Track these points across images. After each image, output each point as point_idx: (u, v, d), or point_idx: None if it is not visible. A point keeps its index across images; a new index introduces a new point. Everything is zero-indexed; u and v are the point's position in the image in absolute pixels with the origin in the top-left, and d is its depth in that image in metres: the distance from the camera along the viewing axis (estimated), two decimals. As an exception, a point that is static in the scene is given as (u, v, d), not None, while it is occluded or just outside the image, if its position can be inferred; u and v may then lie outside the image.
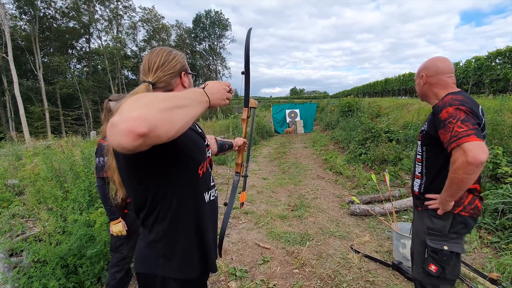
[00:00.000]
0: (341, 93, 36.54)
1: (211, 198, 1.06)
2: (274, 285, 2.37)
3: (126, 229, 1.92)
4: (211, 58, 49.26)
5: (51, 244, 2.24)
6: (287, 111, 15.40)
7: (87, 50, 31.61)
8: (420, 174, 1.53)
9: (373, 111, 9.23)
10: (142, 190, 0.87)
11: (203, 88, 0.84)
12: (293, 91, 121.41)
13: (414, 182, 1.57)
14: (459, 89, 1.46)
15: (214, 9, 47.19)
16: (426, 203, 1.46)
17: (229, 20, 47.07)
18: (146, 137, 0.53)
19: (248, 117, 1.37)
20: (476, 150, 1.12)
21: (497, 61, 8.81)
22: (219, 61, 48.91)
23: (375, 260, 2.69)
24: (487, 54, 9.13)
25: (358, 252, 2.81)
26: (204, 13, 45.75)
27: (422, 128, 1.52)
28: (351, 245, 2.99)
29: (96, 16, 30.11)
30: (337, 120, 12.88)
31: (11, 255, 2.69)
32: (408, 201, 3.78)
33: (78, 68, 32.21)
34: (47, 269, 2.10)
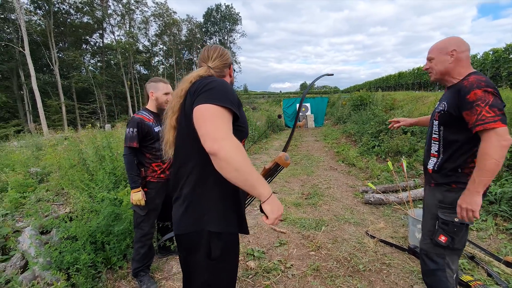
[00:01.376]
0: (352, 88, 35.97)
1: None
2: (292, 265, 2.45)
3: (145, 199, 2.04)
4: (221, 53, 49.28)
5: (82, 221, 2.38)
6: (298, 105, 15.30)
7: (101, 45, 32.21)
8: (437, 153, 1.55)
9: (387, 103, 9.11)
10: (197, 150, 0.99)
11: (271, 195, 0.95)
12: (303, 86, 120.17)
13: (430, 161, 1.59)
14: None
15: (224, 3, 47.07)
16: (460, 211, 1.39)
17: (239, 14, 46.85)
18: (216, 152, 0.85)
19: (270, 170, 1.38)
20: (506, 134, 1.24)
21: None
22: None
23: (391, 244, 2.73)
24: (505, 46, 8.81)
25: (374, 237, 2.85)
26: (215, 7, 45.65)
27: (440, 108, 1.51)
28: (366, 230, 3.03)
29: (109, 11, 30.56)
30: (349, 114, 12.74)
31: (41, 233, 2.87)
32: (418, 192, 3.77)
33: (92, 63, 32.93)
34: (78, 244, 2.24)
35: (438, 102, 1.63)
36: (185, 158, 1.06)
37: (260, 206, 0.95)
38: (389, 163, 3.13)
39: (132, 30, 33.65)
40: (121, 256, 2.50)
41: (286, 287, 2.17)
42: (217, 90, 0.97)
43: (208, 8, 45.66)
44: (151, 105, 2.16)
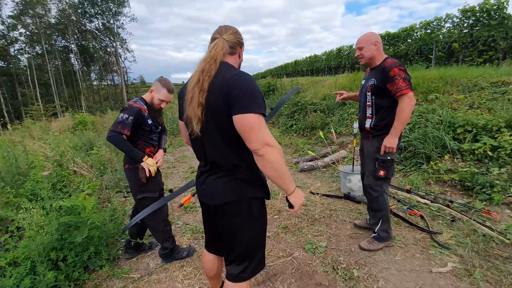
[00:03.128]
0: (255, 76, 38.32)
1: None
2: (264, 230, 2.75)
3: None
4: (107, 39, 42.65)
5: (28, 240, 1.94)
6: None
7: None
8: (371, 115, 2.17)
9: (295, 88, 10.39)
10: (230, 144, 1.16)
11: (295, 189, 1.19)
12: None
13: (366, 122, 2.20)
14: None
15: (105, -18, 40.20)
16: (384, 149, 2.06)
17: (125, -5, 41.13)
18: (263, 154, 1.04)
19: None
20: (413, 97, 1.92)
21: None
22: (118, 42, 42.69)
23: (331, 196, 3.41)
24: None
25: (317, 194, 3.47)
26: (92, -15, 38.42)
27: (371, 83, 2.10)
28: (310, 190, 3.64)
29: None
30: (261, 99, 13.75)
31: None
32: (340, 154, 4.72)
33: None
34: (22, 269, 1.85)
35: (364, 80, 2.25)
36: (218, 149, 1.19)
37: (286, 198, 1.20)
38: (321, 132, 3.82)
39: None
40: (82, 269, 2.19)
41: (267, 247, 2.46)
42: (252, 95, 1.07)
43: (83, -15, 38.02)
44: (147, 97, 2.12)
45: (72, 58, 39.57)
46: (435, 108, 4.22)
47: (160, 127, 2.25)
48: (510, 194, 2.65)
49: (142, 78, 69.43)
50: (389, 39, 10.73)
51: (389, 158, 2.07)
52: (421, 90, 4.97)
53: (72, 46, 37.75)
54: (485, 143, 3.18)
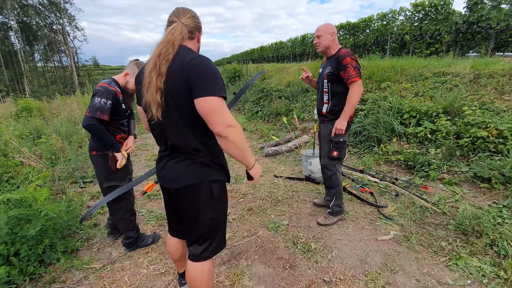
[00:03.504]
0: (221, 61, 37.44)
1: None
2: (229, 212, 2.85)
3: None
4: (53, 15, 38.02)
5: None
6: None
7: None
8: (327, 101, 2.35)
9: (261, 75, 10.42)
10: (191, 127, 1.18)
11: (255, 163, 1.28)
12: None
13: (323, 107, 2.37)
14: None
15: None
16: (334, 130, 2.26)
17: (72, -35, 36.73)
18: (226, 136, 1.09)
19: None
20: (361, 84, 2.12)
21: (340, 32, 11.61)
22: (66, 19, 38.29)
23: (293, 178, 3.61)
24: (335, 26, 11.85)
25: (281, 177, 3.65)
26: (33, -49, 33.56)
27: (327, 71, 2.26)
28: (274, 174, 3.80)
29: None
30: (227, 85, 13.60)
31: None
32: (303, 139, 4.95)
33: None
34: None
35: (321, 69, 2.39)
36: (178, 133, 1.20)
37: (247, 172, 1.29)
38: (284, 118, 3.96)
39: None
40: (37, 263, 2.09)
41: (232, 228, 2.56)
42: (213, 78, 1.09)
43: (22, -49, 33.04)
44: (120, 80, 1.97)
45: (12, 37, 34.53)
46: (387, 95, 4.59)
47: (129, 111, 2.13)
48: (444, 171, 3.06)
49: (95, 59, 63.20)
50: (350, 29, 11.19)
51: (341, 140, 2.29)
52: (375, 79, 5.35)
53: (12, 22, 32.79)
54: (426, 127, 3.59)
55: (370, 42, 10.54)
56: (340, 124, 2.22)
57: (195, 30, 1.25)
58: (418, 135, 3.62)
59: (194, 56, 1.12)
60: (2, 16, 32.42)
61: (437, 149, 3.31)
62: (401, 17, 9.03)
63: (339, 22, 11.51)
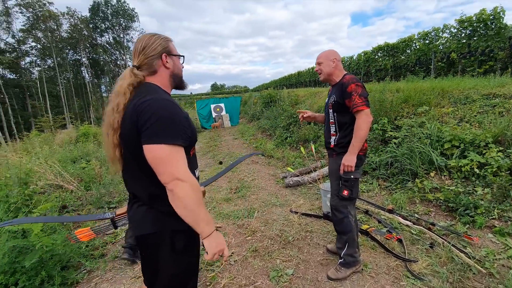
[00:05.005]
0: (260, 86, 38.61)
1: (198, 174, 1.27)
2: (232, 253, 2.62)
3: None
4: (117, 52, 44.11)
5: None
6: (212, 106, 15.46)
7: None
8: (334, 132, 2.10)
9: (292, 99, 10.32)
10: (147, 175, 1.06)
11: (216, 230, 1.07)
12: (214, 86, 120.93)
13: (330, 139, 2.12)
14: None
15: (116, -3, 41.77)
16: (342, 167, 1.97)
17: (135, 10, 42.91)
18: (172, 190, 0.97)
19: None
20: (369, 114, 1.86)
21: (379, 54, 11.10)
22: (128, 55, 44.09)
23: (310, 215, 3.26)
24: (371, 48, 11.38)
25: (297, 213, 3.33)
26: (103, 1, 40.16)
27: (332, 100, 2.05)
28: (290, 209, 3.50)
29: None
30: (261, 111, 13.75)
31: None
32: (324, 171, 4.57)
33: None
34: None
35: (327, 98, 2.18)
36: (134, 178, 1.13)
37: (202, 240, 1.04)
38: (302, 148, 3.71)
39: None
40: (35, 295, 2.11)
41: (231, 273, 2.33)
42: (163, 123, 0.97)
43: (94, 2, 39.73)
44: None
45: (83, 71, 40.89)
46: (424, 121, 4.05)
47: None
48: (494, 217, 2.45)
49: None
50: (388, 50, 10.62)
51: (352, 177, 1.97)
52: (412, 103, 4.82)
53: (83, 59, 39.07)
54: (472, 160, 3.00)
55: (412, 62, 9.81)
56: (348, 160, 1.93)
57: (151, 61, 1.12)
58: (462, 169, 3.04)
59: (149, 98, 1.02)
60: (76, 54, 38.64)
61: (486, 188, 2.70)
62: (445, 35, 8.27)
63: (377, 44, 11.05)
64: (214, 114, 15.30)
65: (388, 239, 2.51)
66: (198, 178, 1.28)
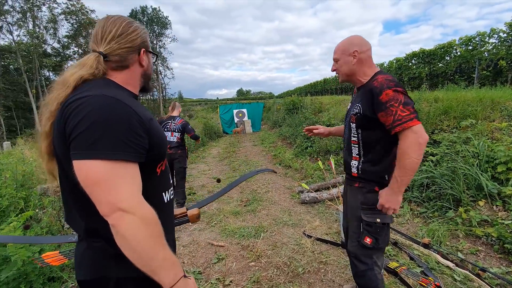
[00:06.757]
0: (285, 93, 38.18)
1: (171, 197, 0.95)
2: (231, 281, 2.26)
3: None
4: (150, 58, 46.34)
5: None
6: (235, 111, 15.37)
7: (-6, 46, 26.43)
8: (357, 156, 1.51)
9: (315, 107, 9.83)
10: (83, 204, 0.75)
11: (184, 276, 0.74)
12: (240, 92, 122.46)
13: (352, 163, 1.54)
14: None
15: (151, 6, 44.22)
16: (380, 207, 1.41)
17: (168, 18, 44.96)
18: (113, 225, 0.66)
19: (175, 217, 1.19)
20: (423, 132, 1.23)
21: (413, 61, 10.26)
22: (160, 61, 46.17)
23: (326, 241, 2.79)
24: (405, 55, 10.57)
25: (310, 237, 2.88)
26: (140, 9, 42.63)
27: (356, 110, 1.44)
28: (304, 231, 3.06)
29: (5, 7, 25.39)
30: (283, 117, 13.35)
31: None
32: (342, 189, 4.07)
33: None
34: None
35: (350, 104, 1.59)
36: (67, 205, 0.84)
37: None
38: (319, 162, 3.26)
39: (37, 29, 28.65)
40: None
41: (225, 309, 1.96)
42: (99, 127, 0.66)
43: (133, 10, 42.27)
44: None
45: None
46: (470, 137, 3.43)
47: None
48: None
49: (180, 94, 74.16)
50: (424, 57, 9.77)
51: (378, 221, 1.42)
52: (454, 115, 4.17)
53: (120, 64, 41.51)
54: (536, 189, 2.38)
55: (451, 70, 8.89)
56: (389, 200, 1.34)
57: (126, 54, 0.84)
58: (523, 200, 2.42)
59: (85, 95, 0.71)
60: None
61: (561, 230, 2.09)
62: (492, 40, 7.35)
63: (411, 51, 10.20)
64: (236, 119, 15.17)
65: (423, 286, 1.99)
66: (170, 202, 0.95)
